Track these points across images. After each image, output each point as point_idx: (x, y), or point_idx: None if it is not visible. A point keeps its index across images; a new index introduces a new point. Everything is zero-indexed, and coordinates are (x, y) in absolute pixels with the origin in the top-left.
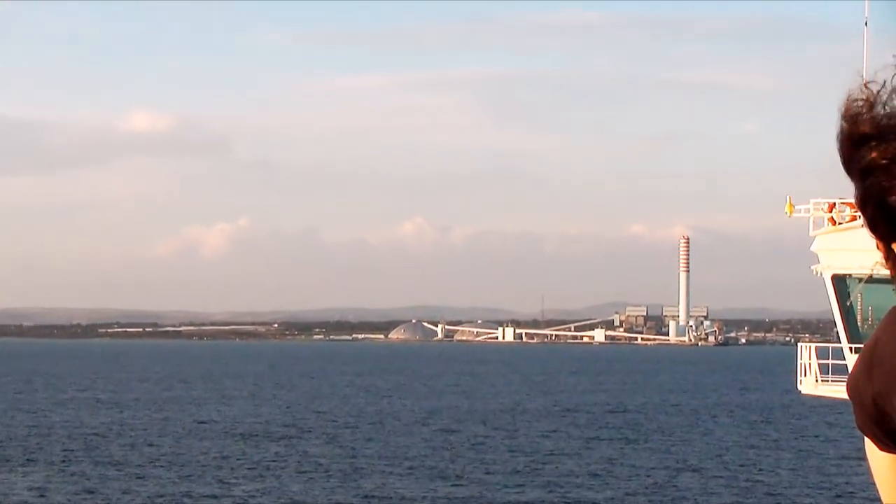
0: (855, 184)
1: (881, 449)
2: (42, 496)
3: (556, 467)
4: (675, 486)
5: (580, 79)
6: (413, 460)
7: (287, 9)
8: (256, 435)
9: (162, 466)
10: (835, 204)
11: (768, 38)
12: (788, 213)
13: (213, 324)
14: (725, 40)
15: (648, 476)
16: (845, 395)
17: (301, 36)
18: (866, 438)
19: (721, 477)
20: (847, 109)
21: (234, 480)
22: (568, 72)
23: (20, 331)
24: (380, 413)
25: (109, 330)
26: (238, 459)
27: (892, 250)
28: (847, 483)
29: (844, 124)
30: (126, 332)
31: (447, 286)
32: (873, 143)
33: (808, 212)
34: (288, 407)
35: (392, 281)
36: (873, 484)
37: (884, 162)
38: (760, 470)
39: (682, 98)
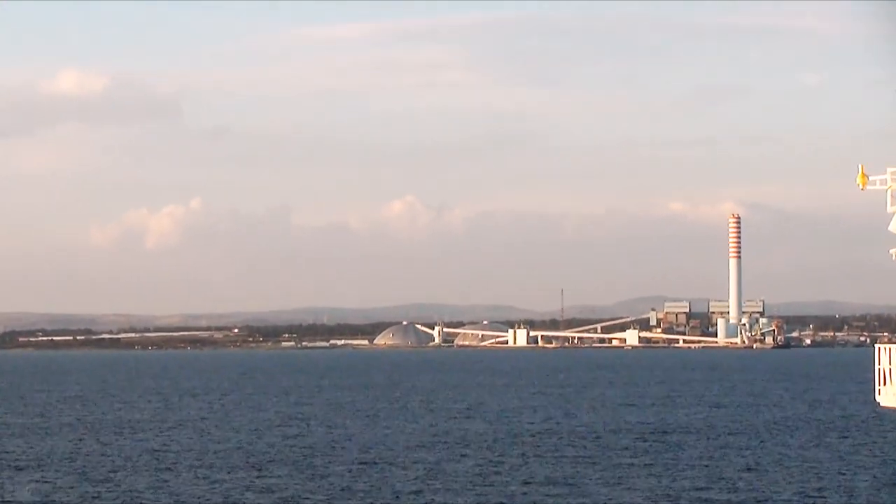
0: None
1: None
2: None
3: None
4: None
5: (601, 23)
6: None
7: None
8: (212, 466)
9: None
10: None
11: None
12: (861, 185)
13: (159, 330)
14: None
15: None
16: None
17: None
18: None
19: None
20: None
21: None
22: (586, 15)
23: None
24: (366, 439)
25: (32, 339)
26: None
27: None
28: None
29: None
30: (53, 340)
31: (445, 279)
32: None
33: (886, 183)
34: (252, 432)
35: (378, 274)
36: None
37: None
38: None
39: (726, 45)
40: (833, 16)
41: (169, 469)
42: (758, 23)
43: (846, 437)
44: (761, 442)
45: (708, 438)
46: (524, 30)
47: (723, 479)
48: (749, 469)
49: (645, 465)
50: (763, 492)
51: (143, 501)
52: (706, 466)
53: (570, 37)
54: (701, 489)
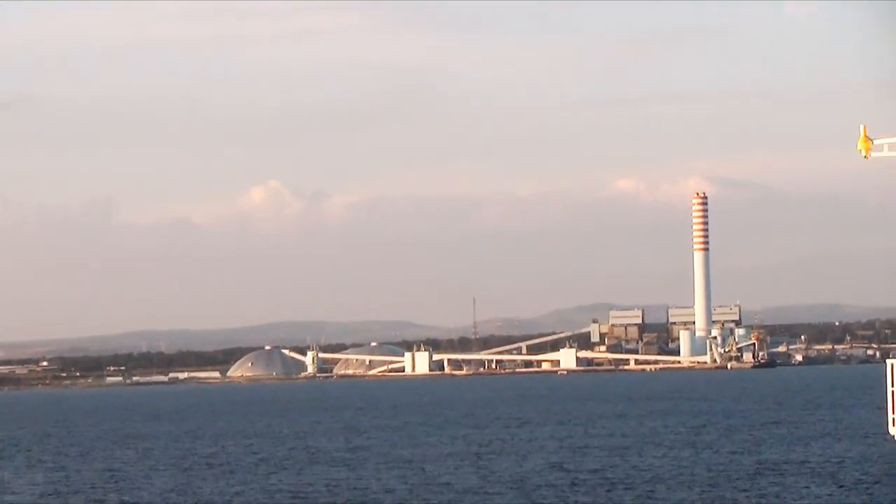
0: None
1: None
2: None
3: None
4: None
5: None
6: None
7: None
8: None
9: None
10: None
11: None
12: (864, 153)
13: None
14: None
15: None
16: None
17: None
18: None
19: None
20: None
21: None
22: None
23: None
24: None
25: None
26: None
27: None
28: None
29: None
30: None
31: (321, 290)
32: None
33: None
34: None
35: (233, 285)
36: None
37: None
38: None
39: None
40: None
41: None
42: None
43: (859, 485)
44: (758, 494)
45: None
46: None
47: None
48: None
49: None
50: None
51: None
52: None
53: None
54: None
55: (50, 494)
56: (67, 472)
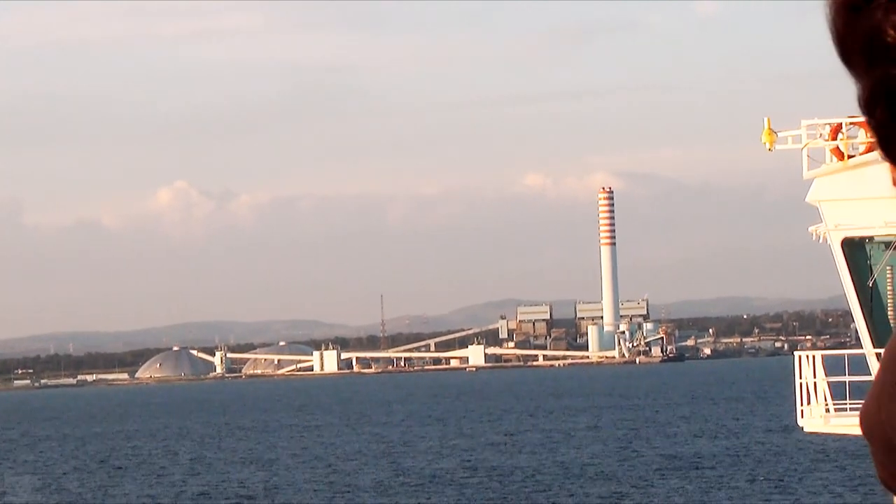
0: (857, 76)
1: None
2: None
3: None
4: None
5: None
6: None
7: None
8: None
9: None
10: (841, 126)
11: None
12: (768, 145)
13: None
14: None
15: None
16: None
17: None
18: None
19: None
20: None
21: None
22: None
23: None
24: None
25: None
26: None
27: None
28: None
29: None
30: None
31: (230, 289)
32: (887, 8)
33: (800, 140)
34: None
35: (139, 286)
36: None
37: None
38: None
39: None
40: None
41: None
42: None
43: (762, 478)
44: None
45: (583, 484)
46: None
47: None
48: None
49: None
50: None
51: None
52: None
53: None
54: None
55: None
56: None
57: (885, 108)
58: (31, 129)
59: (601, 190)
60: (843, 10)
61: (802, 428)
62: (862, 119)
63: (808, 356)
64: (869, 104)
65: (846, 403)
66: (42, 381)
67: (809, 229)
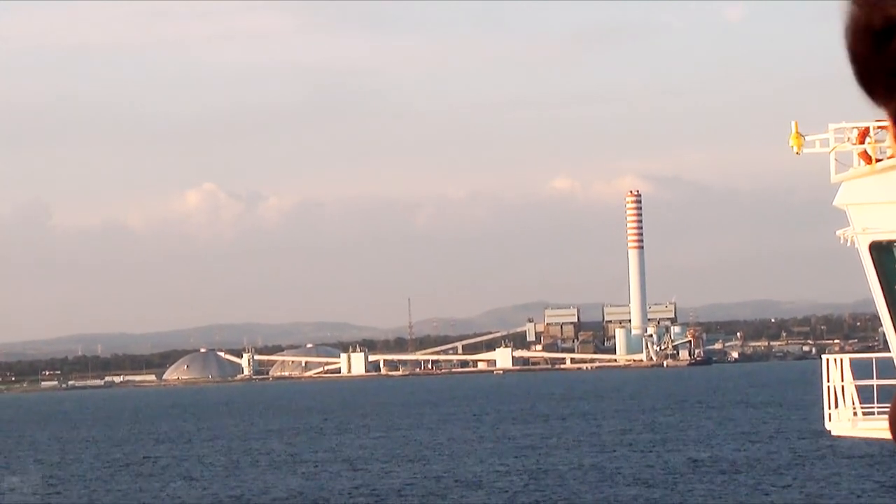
0: (879, 96)
1: None
2: None
3: None
4: None
5: None
6: None
7: None
8: None
9: None
10: (869, 130)
11: None
12: (796, 149)
13: None
14: None
15: None
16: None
17: None
18: None
19: None
20: None
21: None
22: None
23: None
24: None
25: None
26: None
27: None
28: None
29: (858, 10)
30: None
31: (257, 291)
32: None
33: (828, 144)
34: None
35: (167, 288)
36: None
37: None
38: None
39: None
40: None
41: None
42: None
43: (796, 480)
44: (682, 493)
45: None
46: None
47: None
48: None
49: None
50: None
51: None
52: None
53: None
54: None
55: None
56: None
57: None
58: (60, 131)
59: (629, 193)
60: (867, 36)
61: (830, 432)
62: (888, 124)
63: (835, 360)
64: None
65: (874, 407)
66: (70, 383)
67: (837, 233)
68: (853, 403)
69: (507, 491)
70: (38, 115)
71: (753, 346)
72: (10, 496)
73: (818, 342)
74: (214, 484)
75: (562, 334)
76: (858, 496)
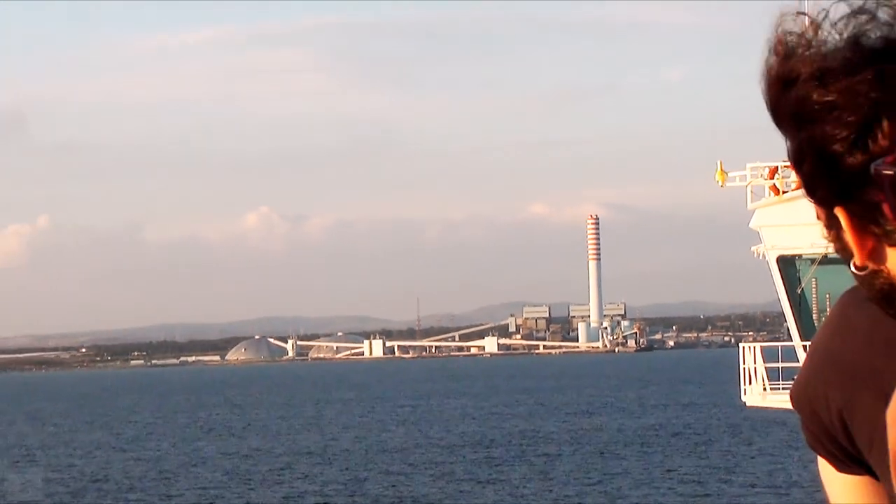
0: (787, 136)
1: (838, 469)
2: None
3: None
4: None
5: (459, 24)
6: None
7: None
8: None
9: None
10: (777, 168)
11: None
12: (720, 183)
13: (6, 352)
14: None
15: None
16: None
17: None
18: (819, 458)
19: None
20: (778, 44)
21: None
22: (443, 17)
23: None
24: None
25: None
26: None
27: (834, 216)
28: None
29: (774, 61)
30: None
31: (300, 291)
32: (811, 83)
33: (745, 179)
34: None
35: (231, 287)
36: None
37: (825, 104)
38: None
39: (587, 44)
40: (701, 6)
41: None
42: (618, 20)
43: (715, 442)
44: (640, 451)
45: (579, 449)
46: (381, 32)
47: (604, 492)
48: (638, 484)
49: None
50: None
51: None
52: (589, 479)
53: (429, 39)
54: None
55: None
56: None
57: (809, 162)
58: (149, 165)
59: (589, 217)
60: (777, 84)
61: (745, 403)
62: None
63: (749, 347)
64: (797, 158)
65: (780, 384)
66: (152, 362)
67: (752, 249)
68: (763, 381)
69: (502, 446)
70: (133, 154)
71: (685, 337)
72: (103, 446)
73: (736, 334)
74: (290, 440)
75: (536, 326)
76: (767, 452)
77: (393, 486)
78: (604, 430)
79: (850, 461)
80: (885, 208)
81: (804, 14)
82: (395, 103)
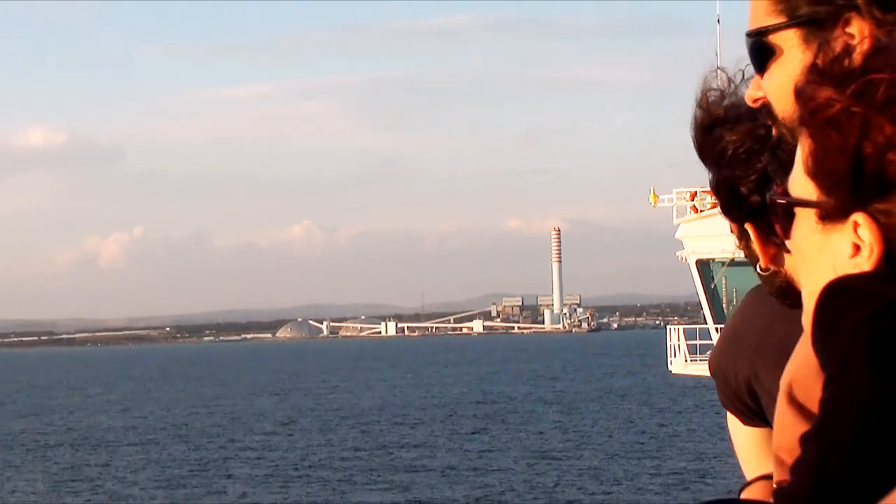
0: (709, 169)
1: (745, 423)
2: None
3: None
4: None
5: (451, 80)
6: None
7: (163, 24)
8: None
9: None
10: (696, 193)
11: (633, 35)
12: (653, 204)
13: (108, 330)
14: (591, 38)
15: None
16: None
17: (178, 49)
18: (728, 413)
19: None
20: (702, 98)
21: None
22: (439, 73)
23: None
24: (257, 412)
25: (5, 340)
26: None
27: (745, 230)
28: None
29: (699, 112)
30: (21, 341)
31: (332, 285)
32: (725, 129)
33: (672, 201)
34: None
35: (280, 282)
36: (734, 463)
37: (735, 148)
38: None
39: (553, 94)
40: (641, 67)
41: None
42: (576, 77)
43: (649, 402)
44: (573, 407)
45: (530, 407)
46: (391, 86)
47: (542, 441)
48: (568, 431)
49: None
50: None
51: None
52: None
53: (427, 92)
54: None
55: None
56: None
57: (724, 194)
58: (217, 186)
59: (553, 229)
60: (701, 130)
61: (671, 371)
62: (709, 190)
63: (675, 329)
64: (716, 189)
65: (697, 357)
66: (220, 338)
67: (677, 253)
68: (685, 354)
69: (496, 404)
70: (201, 178)
71: (626, 321)
72: (174, 408)
73: (665, 319)
74: (325, 399)
75: (512, 312)
76: (688, 411)
77: (401, 434)
78: (565, 392)
79: (755, 416)
80: (777, 228)
81: (723, 70)
82: (400, 141)
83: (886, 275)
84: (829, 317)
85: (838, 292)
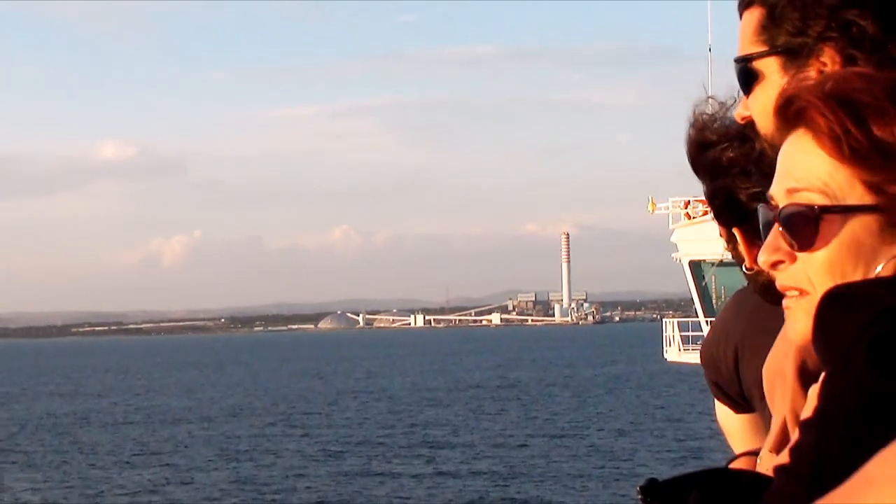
0: (703, 181)
1: (734, 411)
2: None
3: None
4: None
5: (480, 102)
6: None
7: (228, 49)
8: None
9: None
10: (689, 201)
11: (638, 63)
12: (651, 211)
13: (170, 321)
14: (601, 66)
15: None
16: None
17: (238, 73)
18: (717, 401)
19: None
20: (696, 119)
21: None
22: (466, 96)
23: (5, 332)
24: (302, 394)
25: (80, 329)
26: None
27: (732, 234)
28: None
29: (692, 131)
30: (94, 330)
31: (368, 282)
32: (717, 147)
33: (668, 209)
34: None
35: (322, 279)
36: (722, 439)
37: (726, 163)
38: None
39: (568, 115)
40: (640, 91)
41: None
42: (585, 100)
43: (647, 386)
44: (580, 392)
45: (544, 390)
46: (423, 108)
47: (543, 419)
48: (566, 410)
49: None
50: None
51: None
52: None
53: (456, 112)
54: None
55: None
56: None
57: (718, 202)
58: (268, 195)
59: (563, 234)
60: (696, 146)
61: (667, 359)
62: (701, 198)
63: (670, 322)
64: (710, 197)
65: (690, 346)
66: (269, 328)
67: (672, 255)
68: (679, 344)
69: (505, 387)
70: (252, 188)
71: (627, 314)
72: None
73: (661, 313)
74: (362, 382)
75: (527, 307)
76: (682, 394)
77: (429, 414)
78: (574, 377)
79: (743, 403)
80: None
81: (714, 98)
82: (431, 155)
83: (889, 281)
84: (832, 320)
85: (841, 297)
